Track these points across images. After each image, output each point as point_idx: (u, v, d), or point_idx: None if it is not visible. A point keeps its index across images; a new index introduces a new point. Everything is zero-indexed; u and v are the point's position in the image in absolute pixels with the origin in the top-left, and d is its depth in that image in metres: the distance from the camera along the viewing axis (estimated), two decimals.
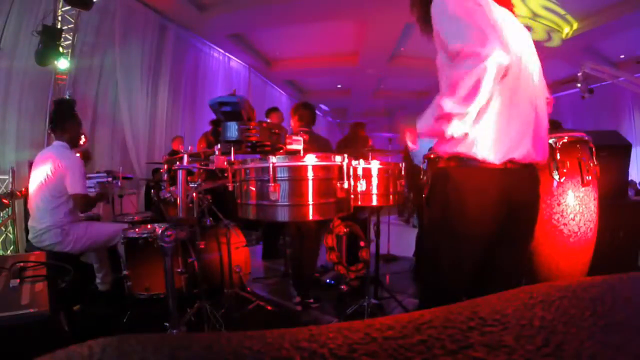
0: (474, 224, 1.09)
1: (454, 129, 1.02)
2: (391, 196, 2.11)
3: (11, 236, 3.63)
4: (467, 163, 1.07)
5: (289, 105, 9.88)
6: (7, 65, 3.82)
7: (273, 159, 1.33)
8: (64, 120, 2.40)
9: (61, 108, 3.55)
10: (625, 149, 2.45)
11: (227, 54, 7.38)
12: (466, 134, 1.04)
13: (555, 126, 2.15)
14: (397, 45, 6.83)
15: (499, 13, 1.11)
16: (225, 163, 1.49)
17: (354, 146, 3.62)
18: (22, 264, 1.35)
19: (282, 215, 1.38)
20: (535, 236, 1.56)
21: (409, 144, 1.29)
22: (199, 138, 4.14)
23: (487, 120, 1.04)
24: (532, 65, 1.17)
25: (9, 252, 3.57)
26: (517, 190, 1.09)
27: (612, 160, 2.19)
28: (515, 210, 1.10)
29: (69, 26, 4.39)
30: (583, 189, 1.52)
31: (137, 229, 2.34)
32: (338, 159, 1.45)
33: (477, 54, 0.92)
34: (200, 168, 1.81)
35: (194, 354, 0.21)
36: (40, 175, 2.24)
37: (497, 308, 0.27)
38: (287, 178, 1.36)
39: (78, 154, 2.56)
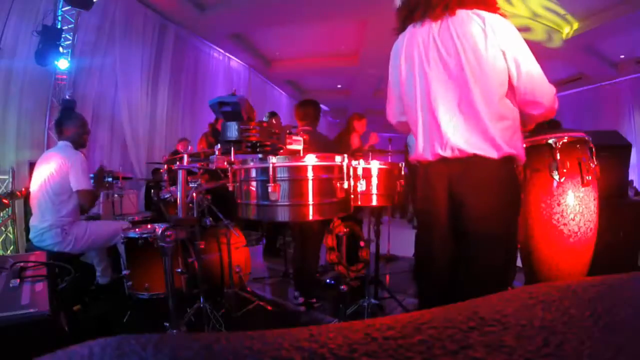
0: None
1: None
2: (391, 196, 2.11)
3: (11, 236, 3.63)
4: None
5: (289, 105, 9.87)
6: (7, 65, 3.82)
7: (273, 159, 1.33)
8: (66, 121, 2.43)
9: (64, 109, 3.55)
10: (625, 149, 2.44)
11: (227, 54, 7.37)
12: None
13: (553, 126, 2.15)
14: None
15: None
16: (225, 163, 1.49)
17: (346, 142, 3.60)
18: (22, 264, 1.35)
19: (282, 215, 1.38)
20: (535, 236, 1.56)
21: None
22: (198, 139, 4.14)
23: None
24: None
25: (9, 252, 3.57)
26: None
27: (612, 160, 2.19)
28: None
29: (69, 26, 4.38)
30: (583, 189, 1.52)
31: (137, 229, 2.34)
32: (338, 159, 1.45)
33: None
34: (200, 169, 1.81)
35: (194, 354, 0.21)
36: (43, 173, 2.26)
37: (497, 308, 0.27)
38: (287, 178, 1.35)
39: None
